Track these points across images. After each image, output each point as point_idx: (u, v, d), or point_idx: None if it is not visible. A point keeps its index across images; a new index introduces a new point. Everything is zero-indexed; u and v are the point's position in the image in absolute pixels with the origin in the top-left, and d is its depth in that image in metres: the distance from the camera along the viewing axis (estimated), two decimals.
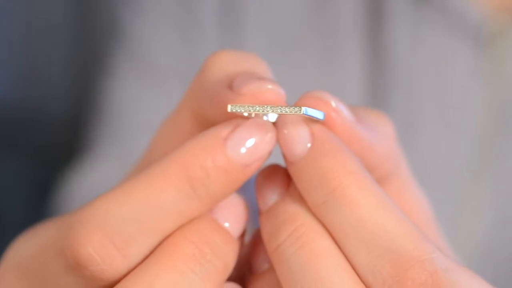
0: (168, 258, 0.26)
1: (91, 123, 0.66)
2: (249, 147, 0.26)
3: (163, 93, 0.62)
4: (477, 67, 0.56)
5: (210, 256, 0.26)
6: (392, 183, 0.30)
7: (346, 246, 0.26)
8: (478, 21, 0.56)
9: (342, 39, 0.59)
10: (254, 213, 0.29)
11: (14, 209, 1.08)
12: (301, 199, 0.27)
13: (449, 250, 0.31)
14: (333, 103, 0.27)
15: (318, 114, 0.27)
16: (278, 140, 0.27)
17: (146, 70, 0.63)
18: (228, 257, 0.27)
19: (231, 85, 0.27)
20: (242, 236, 0.28)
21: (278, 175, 0.28)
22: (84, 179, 0.62)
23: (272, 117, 0.27)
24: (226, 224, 0.28)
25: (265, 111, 0.26)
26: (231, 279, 0.28)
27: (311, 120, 0.27)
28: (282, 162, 0.28)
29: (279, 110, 0.26)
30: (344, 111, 0.28)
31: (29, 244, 0.29)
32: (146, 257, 0.27)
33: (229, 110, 0.26)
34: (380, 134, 0.29)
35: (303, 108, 0.26)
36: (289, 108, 0.26)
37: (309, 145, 0.27)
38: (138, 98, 0.63)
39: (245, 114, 0.27)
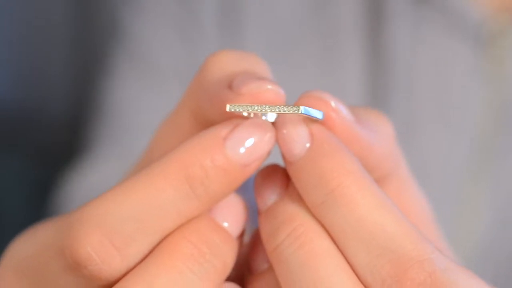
0: (167, 257, 0.26)
1: (91, 123, 0.66)
2: (248, 147, 0.26)
3: (163, 93, 0.62)
4: (477, 67, 0.56)
5: (209, 256, 0.26)
6: (392, 183, 0.30)
7: (345, 246, 0.26)
8: (478, 21, 0.56)
9: (342, 39, 0.59)
10: (253, 213, 0.29)
11: (14, 209, 1.08)
12: (300, 199, 0.27)
13: (448, 250, 0.31)
14: (333, 103, 0.27)
15: (317, 114, 0.27)
16: (277, 140, 0.27)
17: (146, 70, 0.63)
18: (227, 257, 0.27)
19: (230, 85, 0.27)
20: (241, 236, 0.29)
21: (277, 175, 0.28)
22: (84, 179, 0.62)
23: (271, 117, 0.27)
24: (225, 224, 0.28)
25: (263, 110, 0.26)
26: (230, 279, 0.28)
27: (310, 120, 0.27)
28: (281, 162, 0.28)
29: (277, 110, 0.26)
30: (344, 111, 0.28)
31: (29, 244, 0.29)
32: (145, 257, 0.27)
33: (227, 109, 0.26)
34: (380, 134, 0.29)
35: (302, 108, 0.26)
36: (288, 107, 0.26)
37: (308, 145, 0.27)
38: (138, 98, 0.63)
39: (245, 114, 0.27)
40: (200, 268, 0.26)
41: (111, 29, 0.68)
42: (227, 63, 0.29)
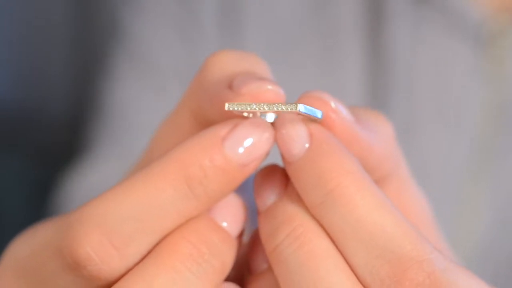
0: (166, 257, 0.26)
1: (91, 123, 0.66)
2: (247, 147, 0.26)
3: (163, 93, 0.62)
4: (477, 67, 0.56)
5: (208, 256, 0.26)
6: (391, 184, 0.30)
7: (344, 246, 0.26)
8: (478, 21, 0.56)
9: (342, 39, 0.59)
10: (253, 213, 0.29)
11: (14, 209, 1.08)
12: (299, 199, 0.27)
13: (448, 250, 0.31)
14: (332, 104, 0.27)
15: (314, 112, 0.27)
16: (276, 140, 0.27)
17: (146, 70, 0.63)
18: (226, 257, 0.27)
19: (231, 85, 0.27)
20: (240, 235, 0.28)
21: (276, 175, 0.28)
22: (84, 179, 0.62)
23: (270, 117, 0.27)
24: (224, 224, 0.28)
25: (261, 108, 0.26)
26: (229, 279, 0.28)
27: (310, 120, 0.27)
28: (280, 162, 0.28)
29: (275, 108, 0.26)
30: (343, 111, 0.28)
31: (28, 244, 0.29)
32: (144, 257, 0.27)
33: (226, 108, 0.26)
34: (379, 135, 0.29)
35: (299, 105, 0.26)
36: (285, 105, 0.26)
37: (307, 145, 0.27)
38: (138, 98, 0.63)
39: (245, 114, 0.27)
40: (199, 268, 0.26)
41: (111, 29, 0.68)
42: (227, 63, 0.29)
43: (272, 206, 0.28)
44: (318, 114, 0.27)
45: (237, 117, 0.27)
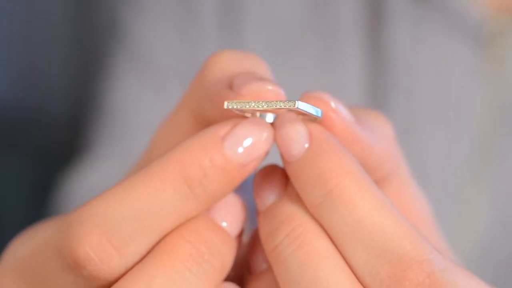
0: (166, 257, 0.26)
1: (91, 123, 0.66)
2: (246, 147, 0.26)
3: (163, 93, 0.62)
4: (477, 67, 0.56)
5: (207, 256, 0.26)
6: (391, 184, 0.30)
7: (344, 246, 0.26)
8: (478, 21, 0.56)
9: (342, 39, 0.59)
10: (252, 213, 0.29)
11: (14, 209, 1.08)
12: (299, 199, 0.27)
13: (448, 250, 0.31)
14: (332, 104, 0.27)
15: (313, 110, 0.26)
16: (276, 140, 0.27)
17: (146, 70, 0.63)
18: (226, 257, 0.27)
19: (231, 85, 0.27)
20: (239, 235, 0.28)
21: (276, 175, 0.28)
22: (84, 179, 0.62)
23: (270, 117, 0.27)
24: (224, 224, 0.28)
25: (260, 106, 0.26)
26: (229, 279, 0.28)
27: (310, 120, 0.27)
28: (280, 162, 0.28)
29: (273, 105, 0.26)
30: (343, 111, 0.28)
31: (27, 244, 0.29)
32: (144, 256, 0.27)
33: (225, 106, 0.26)
34: (379, 135, 0.29)
35: (297, 102, 0.26)
36: (284, 102, 0.26)
37: (306, 145, 0.27)
38: (138, 98, 0.63)
39: (247, 114, 0.27)
40: (198, 268, 0.26)
41: (111, 29, 0.68)
42: (228, 63, 0.29)
43: (272, 206, 0.28)
44: (317, 112, 0.27)
45: (237, 117, 0.27)
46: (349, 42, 0.59)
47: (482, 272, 0.55)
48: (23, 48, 1.20)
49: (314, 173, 0.26)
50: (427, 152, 0.58)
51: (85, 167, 0.63)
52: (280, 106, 0.26)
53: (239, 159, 0.26)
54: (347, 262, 0.26)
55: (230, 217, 0.28)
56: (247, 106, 0.26)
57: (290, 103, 0.26)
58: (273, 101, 0.26)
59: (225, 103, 0.26)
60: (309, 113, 0.26)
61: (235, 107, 0.26)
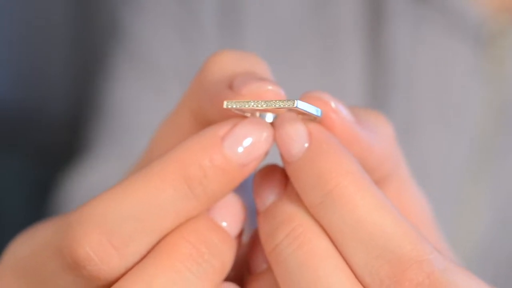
0: (166, 257, 0.26)
1: (91, 123, 0.66)
2: (246, 146, 0.26)
3: (163, 93, 0.62)
4: (477, 67, 0.56)
5: (207, 256, 0.26)
6: (392, 184, 0.30)
7: (344, 246, 0.26)
8: (478, 21, 0.56)
9: (342, 39, 0.59)
10: (252, 213, 0.29)
11: (14, 209, 1.08)
12: (298, 199, 0.27)
13: (448, 250, 0.31)
14: (332, 104, 0.27)
15: (313, 110, 0.26)
16: (275, 140, 0.27)
17: (146, 70, 0.63)
18: (226, 257, 0.27)
19: (231, 85, 0.27)
20: (239, 235, 0.28)
21: (276, 175, 0.28)
22: (84, 179, 0.62)
23: (270, 117, 0.27)
24: (224, 224, 0.28)
25: (259, 105, 0.26)
26: (229, 279, 0.28)
27: (310, 119, 0.27)
28: (280, 162, 0.28)
29: (272, 104, 0.26)
30: (343, 111, 0.28)
31: (27, 244, 0.29)
32: (144, 256, 0.27)
33: (224, 106, 0.26)
34: (379, 135, 0.29)
35: (297, 101, 0.26)
36: (283, 102, 0.26)
37: (306, 145, 0.27)
38: (138, 98, 0.63)
39: (246, 114, 0.27)
40: (198, 268, 0.26)
41: (111, 29, 0.68)
42: (228, 63, 0.29)
43: (272, 206, 0.28)
44: (317, 111, 0.27)
45: (237, 117, 0.27)
46: (349, 42, 0.59)
47: (482, 272, 0.55)
48: (23, 48, 1.20)
49: (314, 173, 0.26)
50: (427, 152, 0.58)
51: (85, 167, 0.63)
52: (280, 106, 0.26)
53: (239, 159, 0.26)
54: (347, 262, 0.26)
55: (230, 217, 0.28)
56: (247, 106, 0.26)
57: (289, 102, 0.26)
58: (272, 101, 0.26)
59: (225, 103, 0.26)
60: (308, 112, 0.26)
61: (234, 106, 0.26)
